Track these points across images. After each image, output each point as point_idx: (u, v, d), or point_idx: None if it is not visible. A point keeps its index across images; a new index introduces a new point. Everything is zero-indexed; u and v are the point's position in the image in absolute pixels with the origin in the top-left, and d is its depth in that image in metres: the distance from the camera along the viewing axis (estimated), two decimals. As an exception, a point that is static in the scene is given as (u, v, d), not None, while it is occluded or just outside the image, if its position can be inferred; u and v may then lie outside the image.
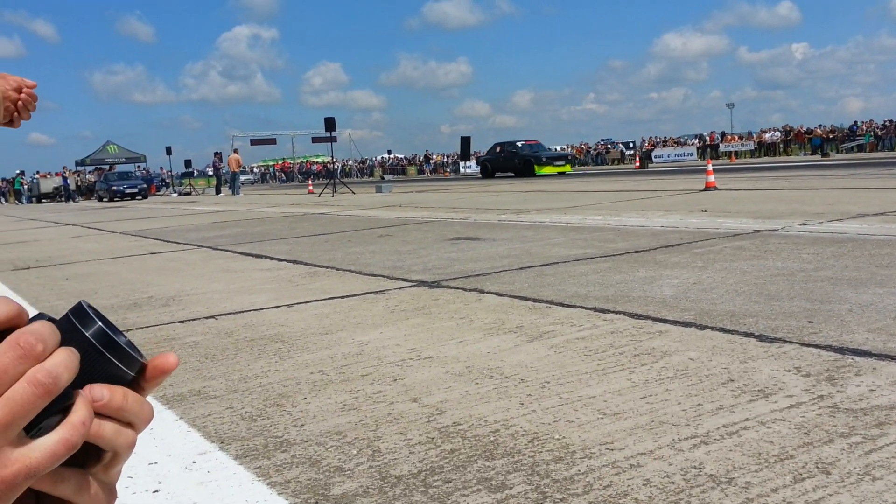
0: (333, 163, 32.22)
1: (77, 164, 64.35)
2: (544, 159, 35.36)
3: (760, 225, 7.64)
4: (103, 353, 0.49)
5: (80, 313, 0.49)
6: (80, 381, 0.48)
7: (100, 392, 0.49)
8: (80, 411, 0.47)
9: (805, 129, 51.48)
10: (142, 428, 0.52)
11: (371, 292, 5.16)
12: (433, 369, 3.20)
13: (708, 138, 56.38)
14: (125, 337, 0.51)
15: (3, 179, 63.98)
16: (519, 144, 37.43)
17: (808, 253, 5.66)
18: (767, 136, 52.86)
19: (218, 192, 38.18)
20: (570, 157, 39.37)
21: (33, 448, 0.45)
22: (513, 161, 36.52)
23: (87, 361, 0.48)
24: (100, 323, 0.49)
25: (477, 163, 34.49)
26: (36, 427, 0.46)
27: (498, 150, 38.44)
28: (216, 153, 40.35)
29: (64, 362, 0.46)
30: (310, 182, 34.44)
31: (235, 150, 37.30)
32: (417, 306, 4.57)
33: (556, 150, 42.73)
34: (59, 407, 0.46)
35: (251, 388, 3.10)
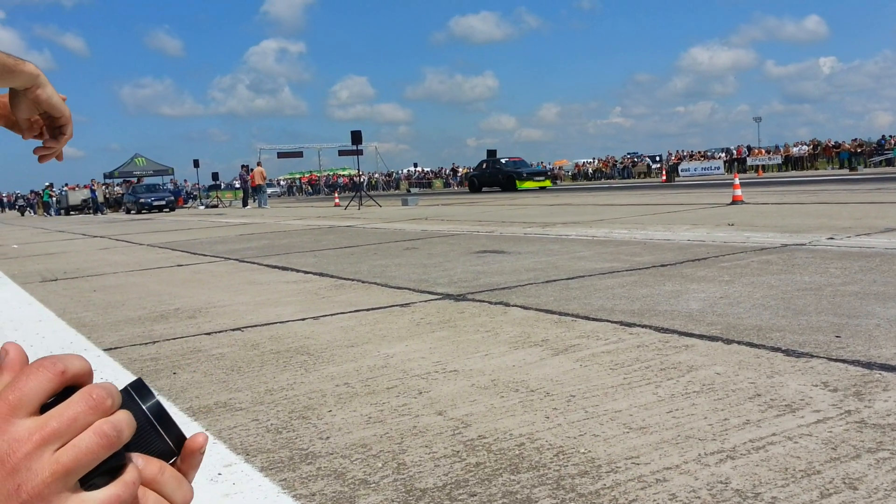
0: (360, 176, 32.32)
1: (105, 176, 65.14)
2: (525, 175, 37.28)
3: (788, 239, 7.58)
4: (156, 426, 0.52)
5: (140, 389, 0.53)
6: (128, 450, 0.50)
7: (134, 460, 0.51)
8: (132, 472, 0.49)
9: (833, 143, 50.98)
10: None
11: (397, 305, 5.17)
12: (458, 382, 3.21)
13: (735, 152, 55.98)
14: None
15: (33, 192, 64.88)
16: (503, 161, 39.67)
17: (835, 267, 5.60)
18: (795, 149, 52.39)
19: (245, 204, 38.52)
20: (549, 174, 41.81)
21: (85, 499, 0.47)
22: (497, 176, 38.45)
23: (139, 433, 0.51)
24: (157, 398, 0.52)
25: (465, 178, 36.22)
26: (89, 481, 0.48)
27: (484, 166, 40.51)
28: (243, 166, 40.78)
29: (126, 420, 0.49)
30: (336, 195, 34.60)
31: (259, 164, 37.72)
32: (443, 319, 4.58)
33: (537, 166, 45.14)
34: (112, 465, 0.49)
35: (277, 401, 3.12)
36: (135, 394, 0.52)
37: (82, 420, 0.47)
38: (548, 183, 38.68)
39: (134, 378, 0.54)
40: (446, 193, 44.78)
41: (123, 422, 0.48)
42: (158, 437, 0.52)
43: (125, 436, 0.48)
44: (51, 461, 0.45)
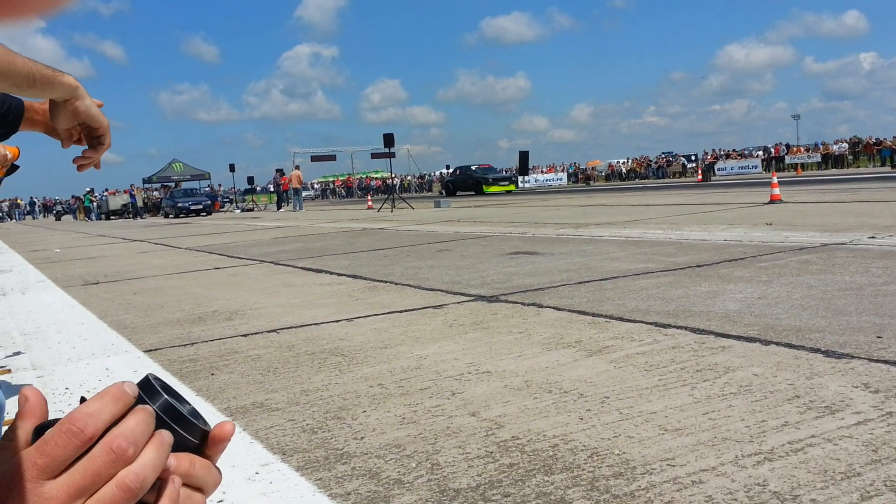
0: (392, 178, 32.46)
1: (144, 181, 66.16)
2: (491, 180, 42.17)
3: (827, 238, 7.47)
4: (170, 424, 0.52)
5: (148, 387, 0.53)
6: None
7: (167, 461, 0.51)
8: (167, 499, 0.50)
9: (874, 140, 50.11)
10: (210, 492, 0.54)
11: (430, 307, 5.18)
12: (492, 383, 3.21)
13: (773, 150, 55.27)
14: (189, 405, 0.54)
15: (74, 197, 65.95)
16: (473, 168, 45.01)
17: (876, 267, 5.51)
18: (835, 147, 51.60)
19: (279, 207, 38.86)
20: (513, 178, 45.90)
21: None
22: (468, 182, 43.39)
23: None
24: (165, 396, 0.53)
25: (441, 184, 38.92)
26: None
27: (458, 172, 45.95)
28: (277, 170, 41.51)
29: (152, 463, 0.49)
30: (369, 197, 34.78)
31: (297, 167, 38.27)
32: (476, 321, 4.58)
33: (503, 171, 49.90)
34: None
35: (312, 401, 3.15)
36: (144, 395, 0.52)
37: (105, 474, 0.47)
38: (512, 187, 43.08)
39: (170, 376, 0.54)
40: (479, 195, 45.00)
41: (147, 468, 0.49)
42: (176, 434, 0.53)
43: (149, 482, 0.49)
44: None
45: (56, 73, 1.12)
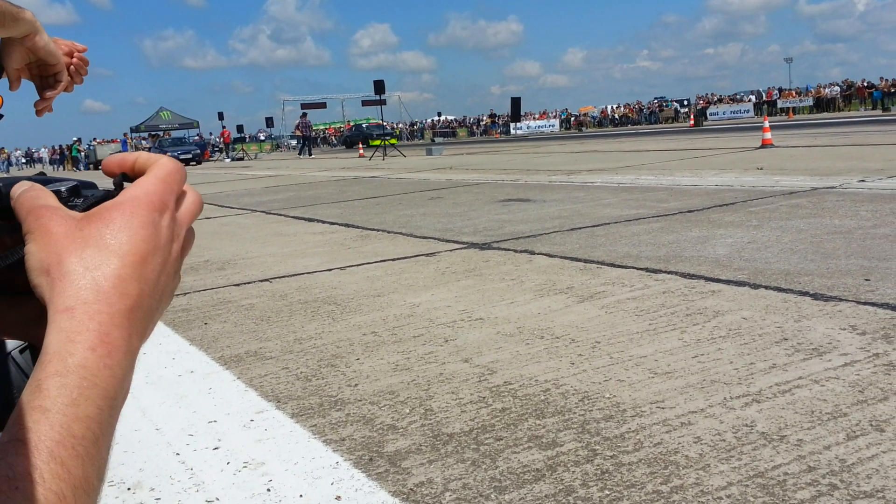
0: (383, 126, 32.25)
1: (132, 130, 65.47)
2: (375, 135, 49.52)
3: (818, 182, 7.48)
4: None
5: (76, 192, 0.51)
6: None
7: None
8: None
9: (866, 83, 49.83)
10: None
11: (422, 254, 5.19)
12: (484, 330, 3.23)
13: (765, 94, 54.99)
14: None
15: (61, 146, 65.20)
16: (364, 126, 57.42)
17: (866, 210, 5.53)
18: (827, 91, 51.33)
19: (300, 153, 40.90)
20: (394, 134, 55.51)
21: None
22: (359, 137, 52.21)
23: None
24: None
25: (342, 140, 44.06)
26: None
27: (354, 129, 58.23)
28: (303, 115, 44.76)
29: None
30: (360, 145, 34.59)
31: (304, 115, 40.62)
32: (468, 268, 4.60)
33: (388, 127, 60.39)
34: None
35: (306, 349, 3.17)
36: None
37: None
38: (393, 140, 52.22)
39: (163, 326, 0.54)
40: (471, 142, 44.79)
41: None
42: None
43: None
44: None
45: (19, 8, 1.10)
